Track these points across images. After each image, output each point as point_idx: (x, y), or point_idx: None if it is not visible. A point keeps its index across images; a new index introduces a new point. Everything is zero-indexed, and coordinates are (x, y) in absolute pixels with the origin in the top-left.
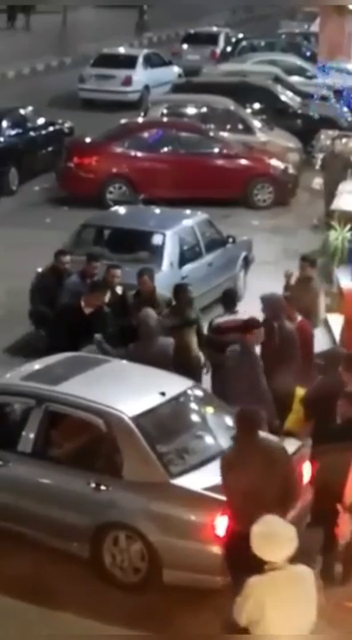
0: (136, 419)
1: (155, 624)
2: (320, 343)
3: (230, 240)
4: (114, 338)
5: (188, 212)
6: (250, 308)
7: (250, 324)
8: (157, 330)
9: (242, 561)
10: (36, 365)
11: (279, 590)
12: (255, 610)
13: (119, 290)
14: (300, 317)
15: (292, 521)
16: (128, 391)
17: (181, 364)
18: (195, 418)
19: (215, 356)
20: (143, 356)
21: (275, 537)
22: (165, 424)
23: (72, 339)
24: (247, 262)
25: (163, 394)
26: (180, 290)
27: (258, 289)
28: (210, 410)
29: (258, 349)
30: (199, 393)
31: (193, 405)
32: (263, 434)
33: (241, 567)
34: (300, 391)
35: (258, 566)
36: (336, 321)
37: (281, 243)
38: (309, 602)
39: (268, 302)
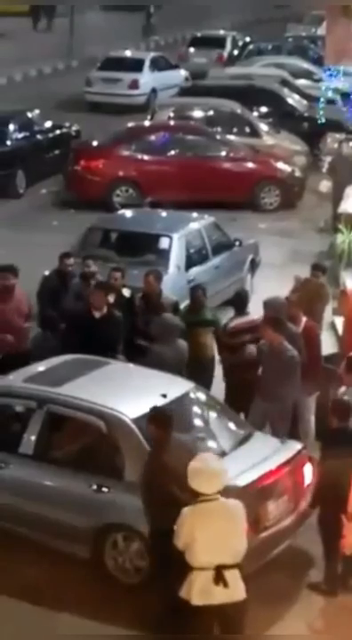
0: (137, 420)
1: (155, 624)
2: (326, 346)
3: (237, 243)
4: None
5: (194, 215)
6: (256, 311)
7: (269, 322)
8: (177, 333)
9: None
10: (38, 367)
11: (208, 519)
12: (188, 535)
13: (127, 293)
14: (304, 319)
15: (292, 524)
16: (129, 393)
17: (195, 364)
18: (196, 420)
19: (232, 359)
20: (165, 359)
21: (207, 471)
22: None
23: (85, 345)
24: (254, 265)
25: (164, 396)
26: (196, 290)
27: (264, 292)
28: (211, 411)
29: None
30: (201, 395)
31: (194, 407)
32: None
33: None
34: None
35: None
36: (342, 323)
37: (288, 246)
38: (236, 531)
39: (270, 306)
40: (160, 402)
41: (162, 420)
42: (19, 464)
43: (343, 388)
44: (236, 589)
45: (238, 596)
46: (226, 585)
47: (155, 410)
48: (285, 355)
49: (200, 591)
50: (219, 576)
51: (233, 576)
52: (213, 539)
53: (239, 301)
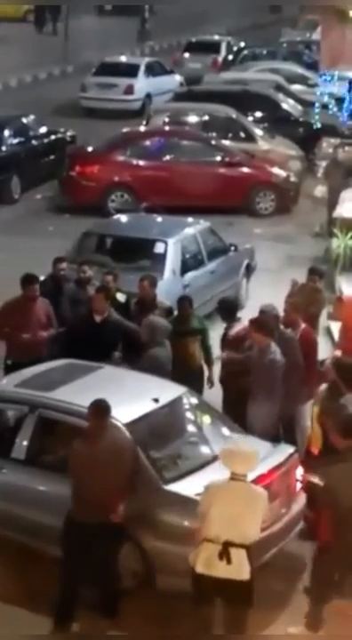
0: (130, 425)
1: (153, 626)
2: (322, 351)
3: (232, 248)
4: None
5: (190, 220)
6: (253, 316)
7: (252, 323)
8: (166, 335)
9: (79, 551)
10: (30, 372)
11: (228, 496)
12: (206, 505)
13: (122, 298)
14: (303, 325)
15: (284, 527)
16: (122, 397)
17: (184, 374)
18: (188, 424)
19: (230, 367)
20: (160, 360)
21: (239, 453)
22: (159, 430)
23: (85, 349)
24: (249, 270)
25: (156, 400)
26: (182, 302)
27: (260, 297)
28: (204, 416)
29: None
30: (193, 399)
31: (187, 412)
32: (112, 426)
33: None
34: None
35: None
36: (338, 328)
37: (283, 250)
38: (251, 515)
39: (265, 312)
40: (152, 406)
41: (96, 410)
42: (11, 469)
43: (323, 386)
44: (239, 568)
45: (240, 576)
46: (229, 562)
47: (95, 399)
48: (266, 358)
49: (204, 561)
50: (224, 551)
51: (238, 555)
52: (227, 515)
53: (224, 310)
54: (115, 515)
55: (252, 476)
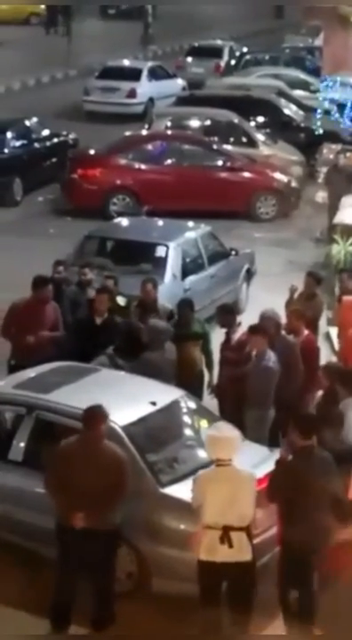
0: (126, 428)
1: (151, 629)
2: (322, 356)
3: (233, 252)
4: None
5: (190, 224)
6: (252, 321)
7: (249, 329)
8: (167, 338)
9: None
10: (28, 374)
11: (219, 482)
12: (199, 495)
13: (122, 301)
14: (306, 332)
15: (266, 541)
16: (119, 400)
17: (184, 379)
18: (185, 427)
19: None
20: (157, 364)
21: (221, 439)
22: (156, 433)
23: (85, 351)
24: (250, 275)
25: (153, 403)
26: (183, 306)
27: (260, 301)
28: (201, 420)
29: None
30: (190, 403)
31: (184, 415)
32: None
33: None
34: None
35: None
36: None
37: (283, 255)
38: (244, 496)
39: (266, 317)
40: (149, 409)
41: (91, 416)
42: (8, 470)
43: (320, 392)
44: (240, 550)
45: (243, 557)
46: (231, 545)
47: (90, 405)
48: (261, 364)
49: (206, 548)
50: (224, 536)
51: (238, 538)
52: (221, 500)
53: (223, 316)
54: (78, 519)
55: None
